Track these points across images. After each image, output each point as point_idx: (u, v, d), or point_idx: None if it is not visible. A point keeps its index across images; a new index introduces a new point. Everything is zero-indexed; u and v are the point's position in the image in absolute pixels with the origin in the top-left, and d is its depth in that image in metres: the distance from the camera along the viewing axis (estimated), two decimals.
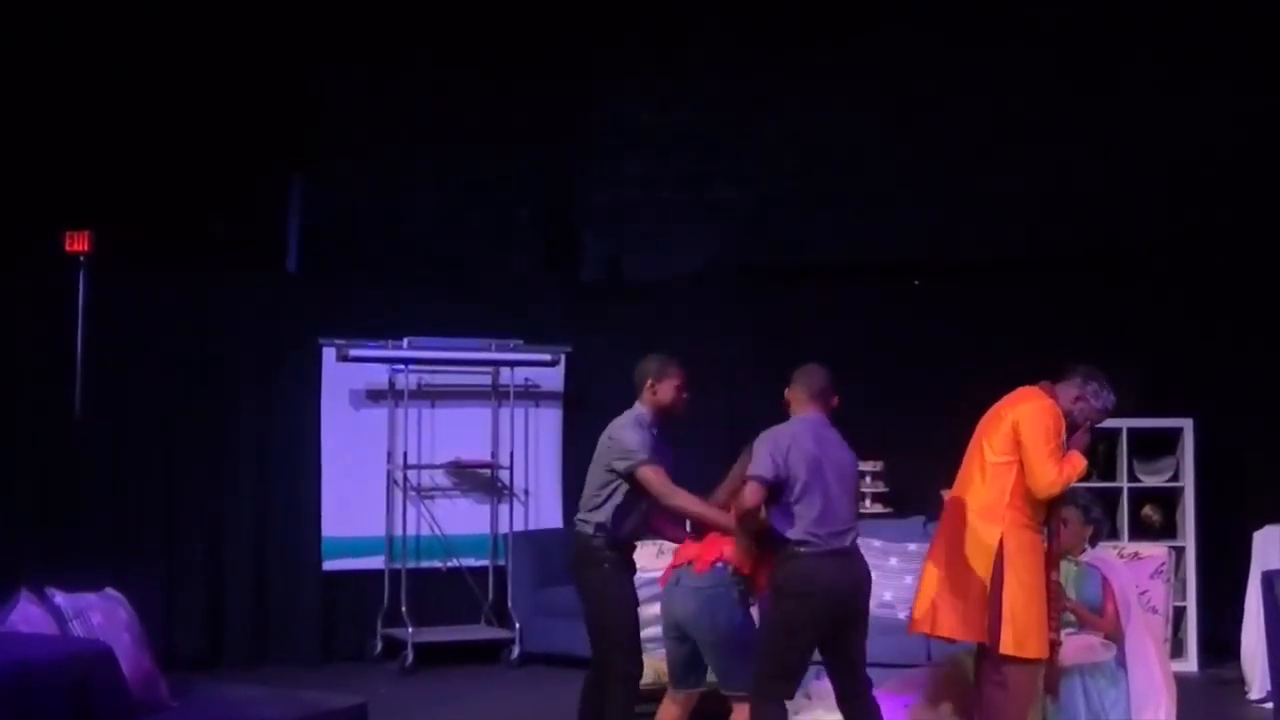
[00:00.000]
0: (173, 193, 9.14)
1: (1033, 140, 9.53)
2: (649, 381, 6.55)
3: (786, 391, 6.34)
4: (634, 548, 6.56)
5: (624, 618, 6.38)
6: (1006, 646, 6.06)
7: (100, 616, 7.14)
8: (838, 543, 6.00)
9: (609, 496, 6.39)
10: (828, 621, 5.98)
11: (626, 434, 6.39)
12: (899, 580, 8.52)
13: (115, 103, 8.88)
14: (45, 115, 8.72)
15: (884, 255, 10.18)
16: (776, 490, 5.99)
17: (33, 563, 8.09)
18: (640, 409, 6.53)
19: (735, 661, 6.21)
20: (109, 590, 7.55)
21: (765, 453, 6.02)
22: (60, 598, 7.15)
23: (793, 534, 5.98)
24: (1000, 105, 9.44)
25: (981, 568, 6.14)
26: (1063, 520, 6.54)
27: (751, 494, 5.97)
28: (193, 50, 8.96)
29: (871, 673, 6.46)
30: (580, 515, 6.51)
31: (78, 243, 8.48)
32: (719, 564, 6.26)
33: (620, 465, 6.33)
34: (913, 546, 8.54)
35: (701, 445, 10.22)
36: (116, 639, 6.79)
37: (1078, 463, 6.22)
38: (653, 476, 6.29)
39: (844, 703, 6.19)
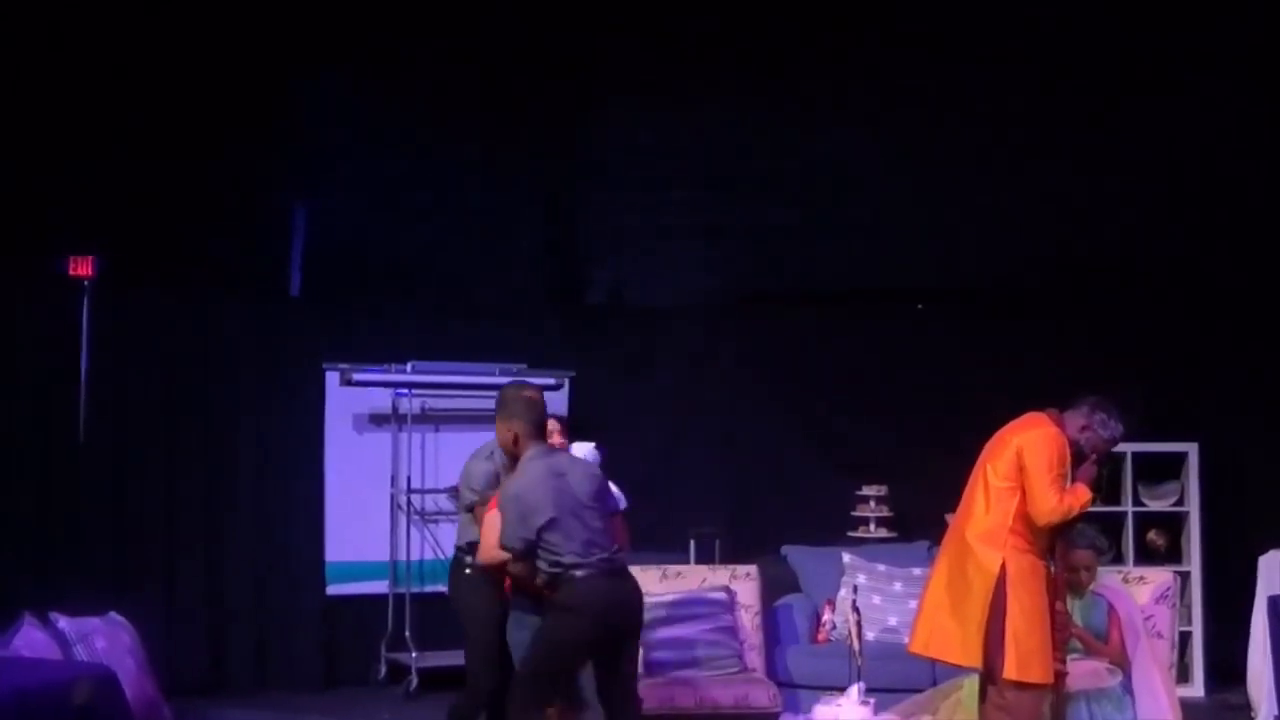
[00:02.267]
0: (175, 217, 9.14)
1: (1033, 162, 9.51)
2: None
3: (513, 429, 6.32)
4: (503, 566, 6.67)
5: (483, 632, 6.53)
6: (1010, 671, 6.04)
7: (104, 641, 7.15)
8: (607, 565, 6.17)
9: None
10: (601, 638, 6.13)
11: (474, 465, 6.64)
12: (903, 605, 8.48)
13: (118, 126, 8.87)
14: (49, 138, 8.71)
15: (886, 279, 10.17)
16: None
17: (35, 587, 8.07)
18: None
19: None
20: (113, 614, 7.56)
21: (512, 522, 6.11)
22: (64, 622, 7.16)
23: (565, 560, 6.09)
24: (999, 128, 9.43)
25: (982, 592, 6.12)
26: (1085, 566, 6.58)
27: (514, 566, 6.18)
28: (195, 74, 8.95)
29: (877, 697, 6.44)
30: (458, 537, 6.74)
31: (81, 267, 8.50)
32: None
33: (465, 499, 6.60)
34: (917, 571, 8.50)
35: (703, 468, 10.28)
36: (120, 664, 6.80)
37: (1082, 494, 6.18)
38: (485, 522, 6.41)
39: (609, 713, 6.31)
